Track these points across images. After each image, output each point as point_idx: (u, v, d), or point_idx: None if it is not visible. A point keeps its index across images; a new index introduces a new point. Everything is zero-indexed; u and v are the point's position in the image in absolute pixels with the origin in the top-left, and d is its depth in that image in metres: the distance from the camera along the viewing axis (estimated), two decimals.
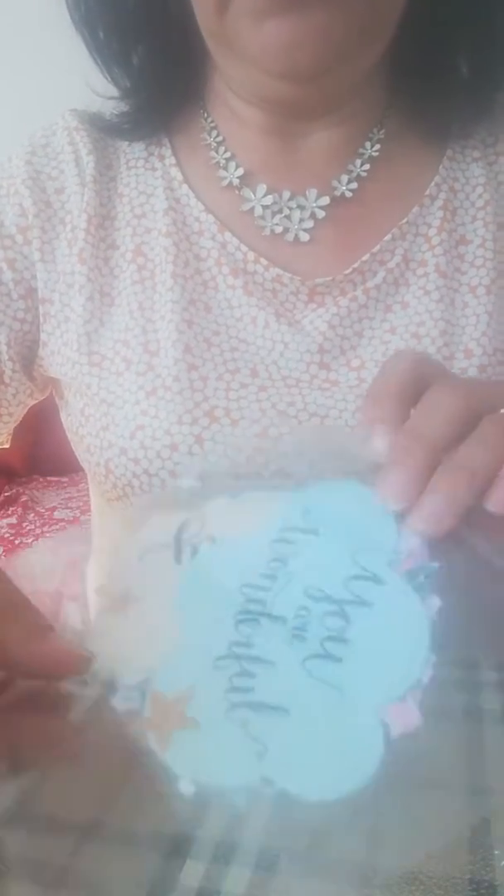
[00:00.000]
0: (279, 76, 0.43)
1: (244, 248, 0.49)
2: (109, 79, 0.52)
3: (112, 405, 0.48)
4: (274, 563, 0.31)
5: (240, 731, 0.27)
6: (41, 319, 0.51)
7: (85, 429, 0.50)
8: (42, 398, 0.56)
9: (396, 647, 0.29)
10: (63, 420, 0.55)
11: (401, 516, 0.31)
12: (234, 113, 0.50)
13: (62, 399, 0.54)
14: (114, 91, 0.52)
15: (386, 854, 0.26)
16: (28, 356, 0.52)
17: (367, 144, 0.50)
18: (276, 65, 0.41)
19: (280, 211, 0.50)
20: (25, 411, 0.56)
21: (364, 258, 0.49)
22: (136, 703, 0.28)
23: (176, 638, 0.30)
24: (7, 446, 0.59)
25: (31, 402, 0.56)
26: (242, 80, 0.47)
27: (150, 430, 0.46)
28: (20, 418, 0.56)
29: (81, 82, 0.52)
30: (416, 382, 0.32)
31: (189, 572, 0.31)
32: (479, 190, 0.51)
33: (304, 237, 0.50)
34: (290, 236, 0.50)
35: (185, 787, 0.25)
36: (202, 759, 0.26)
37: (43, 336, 0.51)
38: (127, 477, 0.47)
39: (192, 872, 0.25)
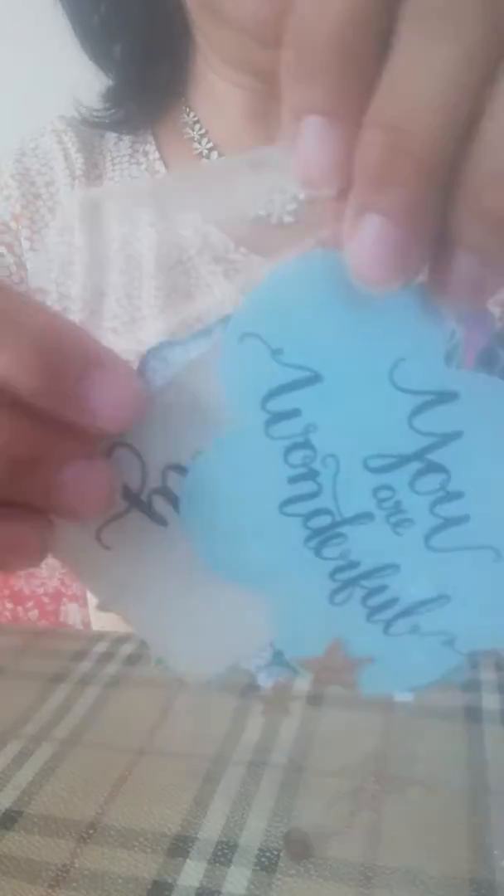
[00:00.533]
0: (270, 43, 0.42)
1: (225, 237, 0.51)
2: (96, 65, 0.54)
3: None
4: (296, 455, 0.22)
5: (417, 639, 0.24)
6: None
7: None
8: None
9: None
10: None
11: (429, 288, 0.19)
12: (216, 100, 0.52)
13: None
14: (100, 86, 0.55)
15: (386, 854, 0.26)
16: None
17: None
18: (267, 30, 0.41)
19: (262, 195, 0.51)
20: None
21: None
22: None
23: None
24: None
25: None
26: (231, 52, 0.47)
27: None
28: None
29: (70, 83, 0.54)
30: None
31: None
32: None
33: (288, 219, 0.51)
34: (273, 219, 0.51)
35: (402, 696, 0.26)
36: (398, 676, 0.25)
37: None
38: None
39: (192, 872, 0.25)
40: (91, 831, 0.27)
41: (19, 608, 1.44)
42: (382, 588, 0.24)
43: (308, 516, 0.23)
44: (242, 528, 0.23)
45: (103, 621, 0.56)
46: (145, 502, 0.23)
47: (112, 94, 0.55)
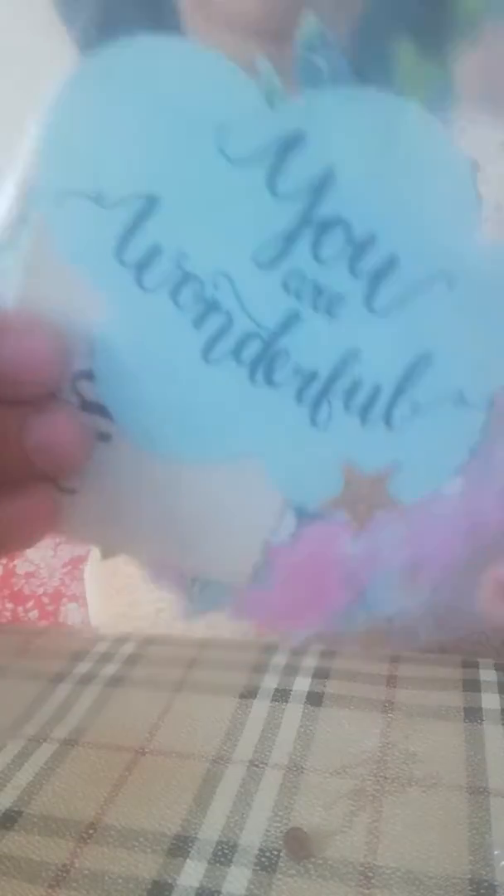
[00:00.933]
0: (273, 35, 0.42)
1: None
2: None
3: None
4: (184, 294, 0.20)
5: (427, 417, 0.22)
6: None
7: None
8: None
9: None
10: None
11: None
12: None
13: None
14: None
15: (386, 854, 0.26)
16: None
17: None
18: (271, 22, 0.39)
19: None
20: None
21: None
22: None
23: None
24: None
25: None
26: (219, 45, 0.47)
27: None
28: None
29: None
30: None
31: None
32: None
33: None
34: None
35: (450, 487, 0.22)
36: (433, 466, 0.23)
37: None
38: None
39: (192, 872, 0.25)
40: (91, 831, 0.27)
41: (19, 608, 1.44)
42: (357, 384, 0.21)
43: (237, 351, 0.21)
44: (178, 403, 0.21)
45: (103, 621, 0.56)
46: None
47: None
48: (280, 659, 0.37)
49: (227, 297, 0.20)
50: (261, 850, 0.26)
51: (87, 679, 0.37)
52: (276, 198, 0.20)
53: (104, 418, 0.21)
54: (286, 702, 0.34)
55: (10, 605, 1.40)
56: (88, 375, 0.21)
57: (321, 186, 0.20)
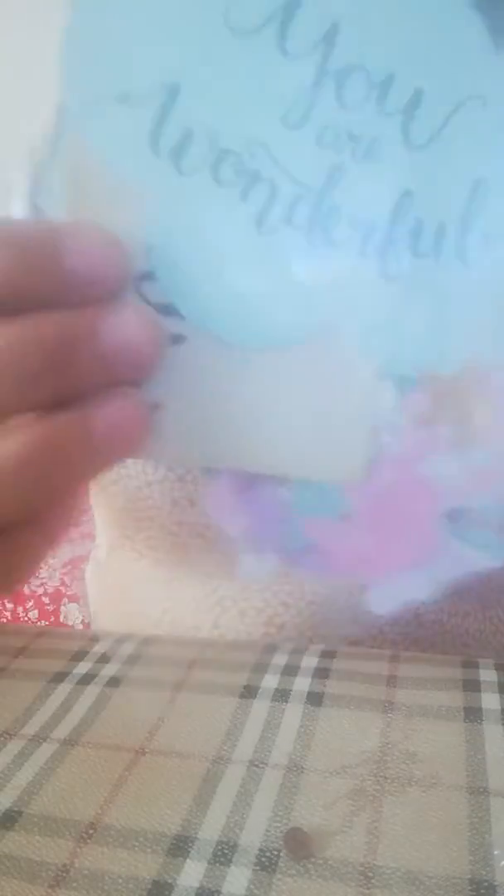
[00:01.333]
0: None
1: None
2: None
3: None
4: (224, 170, 0.20)
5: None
6: None
7: None
8: None
9: None
10: None
11: None
12: None
13: None
14: None
15: (386, 854, 0.26)
16: None
17: None
18: None
19: None
20: None
21: None
22: None
23: None
24: None
25: None
26: None
27: None
28: None
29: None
30: None
31: None
32: None
33: None
34: None
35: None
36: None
37: None
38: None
39: (192, 872, 0.25)
40: (91, 831, 0.27)
41: (19, 608, 1.43)
42: (420, 225, 0.20)
43: (288, 217, 0.20)
44: (244, 285, 0.20)
45: (103, 621, 0.56)
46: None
47: None
48: (280, 659, 0.37)
49: (267, 165, 0.20)
50: (261, 850, 0.26)
51: (87, 679, 0.37)
52: (289, 57, 0.20)
53: (175, 317, 0.21)
54: (286, 702, 0.34)
55: (10, 605, 1.40)
56: (150, 276, 0.21)
57: (330, 38, 0.20)
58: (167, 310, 0.21)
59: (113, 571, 0.54)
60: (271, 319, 0.21)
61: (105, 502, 0.59)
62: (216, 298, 0.20)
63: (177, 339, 0.21)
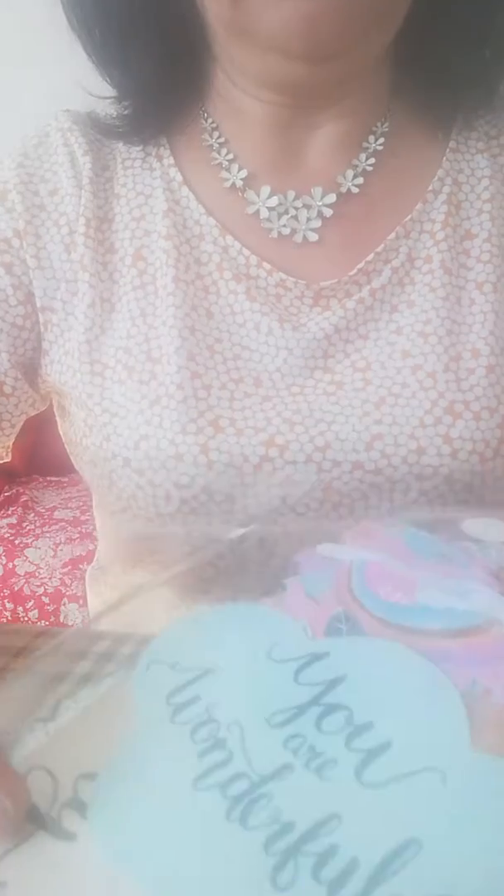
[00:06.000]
0: (297, 56, 0.42)
1: (246, 252, 0.48)
2: (108, 80, 0.51)
3: (115, 415, 0.47)
4: (202, 731, 0.24)
5: None
6: (42, 328, 0.50)
7: (88, 439, 0.49)
8: (43, 408, 0.55)
9: (409, 682, 0.25)
10: (62, 432, 0.54)
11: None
12: (237, 111, 0.50)
13: (63, 410, 0.53)
14: (109, 90, 0.51)
15: None
16: (30, 365, 0.51)
17: (371, 139, 0.50)
18: (296, 43, 0.41)
19: (286, 212, 0.49)
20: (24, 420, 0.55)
21: (369, 258, 0.48)
22: None
23: None
24: (8, 459, 0.58)
25: (33, 413, 0.55)
26: (254, 69, 0.46)
27: (155, 441, 0.45)
28: (17, 431, 0.55)
29: (77, 82, 0.51)
30: None
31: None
32: (485, 182, 0.50)
33: (313, 237, 0.49)
34: (298, 237, 0.49)
35: None
36: None
37: (45, 345, 0.50)
38: (131, 489, 0.46)
39: None
40: None
41: (19, 608, 1.44)
42: (333, 850, 0.20)
43: (224, 785, 0.22)
44: (158, 819, 0.22)
45: (103, 622, 0.56)
46: (55, 818, 0.23)
47: (125, 97, 0.51)
48: None
49: (234, 741, 0.23)
50: None
51: (87, 679, 0.37)
52: (296, 680, 0.25)
53: (78, 816, 0.23)
54: None
55: (10, 605, 1.40)
56: (91, 776, 0.24)
57: (335, 684, 0.24)
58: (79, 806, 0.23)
59: (114, 581, 0.54)
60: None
61: (104, 525, 0.58)
62: (125, 816, 0.23)
63: (69, 836, 0.22)
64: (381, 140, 0.50)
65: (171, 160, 0.51)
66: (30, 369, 0.51)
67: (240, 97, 0.49)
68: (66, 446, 0.54)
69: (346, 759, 0.22)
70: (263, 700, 0.25)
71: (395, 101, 0.51)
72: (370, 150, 0.50)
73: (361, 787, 0.21)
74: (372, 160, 0.50)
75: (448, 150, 0.51)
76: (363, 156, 0.50)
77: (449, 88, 0.50)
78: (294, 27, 0.40)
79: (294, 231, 0.49)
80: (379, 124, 0.50)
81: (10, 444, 0.56)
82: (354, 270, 0.48)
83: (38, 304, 0.50)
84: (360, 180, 0.50)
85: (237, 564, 0.40)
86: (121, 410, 0.47)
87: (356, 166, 0.50)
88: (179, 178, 0.50)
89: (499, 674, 0.24)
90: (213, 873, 0.21)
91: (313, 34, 0.40)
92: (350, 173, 0.50)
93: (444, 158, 0.51)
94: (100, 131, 0.52)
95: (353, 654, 0.26)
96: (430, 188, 0.50)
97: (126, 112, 0.51)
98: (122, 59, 0.50)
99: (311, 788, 0.22)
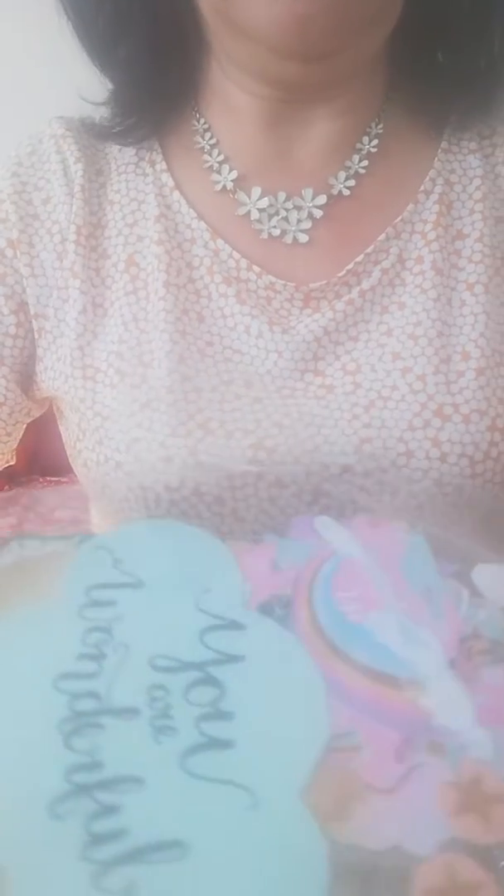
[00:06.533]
0: (288, 54, 0.42)
1: (237, 255, 0.48)
2: (97, 66, 0.50)
3: (107, 419, 0.47)
4: (94, 636, 0.24)
5: None
6: (36, 335, 0.50)
7: (81, 443, 0.49)
8: (39, 415, 0.55)
9: (291, 700, 0.23)
10: (62, 435, 0.54)
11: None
12: (229, 107, 0.50)
13: (60, 413, 0.53)
14: (104, 96, 0.52)
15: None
16: (25, 373, 0.51)
17: (365, 139, 0.50)
18: (287, 42, 0.41)
19: (277, 213, 0.49)
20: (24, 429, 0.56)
21: (358, 259, 0.48)
22: None
23: None
24: (13, 463, 0.58)
25: (28, 420, 0.55)
26: (247, 63, 0.46)
27: (145, 444, 0.45)
28: (19, 437, 0.56)
29: (73, 88, 0.51)
30: None
31: None
32: (477, 182, 0.50)
33: (303, 238, 0.49)
34: (288, 238, 0.49)
35: None
36: None
37: (39, 352, 0.51)
38: (122, 491, 0.46)
39: None
40: None
41: None
42: (115, 809, 0.20)
43: (76, 696, 0.22)
44: (6, 698, 0.22)
45: None
46: None
47: (116, 97, 0.51)
48: None
49: (112, 661, 0.24)
50: None
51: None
52: (201, 638, 0.25)
53: None
54: None
55: None
56: None
57: (230, 660, 0.24)
58: None
59: None
60: None
61: (100, 530, 0.58)
62: None
63: None
64: (375, 142, 0.50)
65: (164, 165, 0.51)
66: (24, 377, 0.51)
67: (233, 91, 0.49)
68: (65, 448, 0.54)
69: (186, 736, 0.22)
70: (161, 640, 0.24)
71: (390, 101, 0.51)
72: (363, 152, 0.50)
73: (179, 768, 0.21)
74: (365, 162, 0.49)
75: (440, 150, 0.51)
76: (356, 157, 0.50)
77: (444, 90, 0.49)
78: (286, 26, 0.40)
79: (284, 232, 0.49)
80: (373, 125, 0.50)
81: (13, 448, 0.56)
82: (343, 272, 0.48)
83: (32, 312, 0.50)
84: (352, 182, 0.49)
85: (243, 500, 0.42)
86: (112, 414, 0.47)
87: (349, 168, 0.49)
88: (171, 182, 0.50)
89: (377, 737, 0.22)
90: (17, 765, 0.21)
91: (305, 34, 0.40)
92: (342, 175, 0.49)
93: (436, 159, 0.50)
94: (94, 134, 0.52)
95: (263, 641, 0.25)
96: (422, 188, 0.49)
97: (119, 111, 0.51)
98: (115, 45, 0.49)
99: (139, 743, 0.21)
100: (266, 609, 0.26)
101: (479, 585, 0.27)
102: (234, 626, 0.25)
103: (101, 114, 0.52)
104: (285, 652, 0.25)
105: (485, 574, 0.27)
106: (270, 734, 0.22)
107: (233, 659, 0.24)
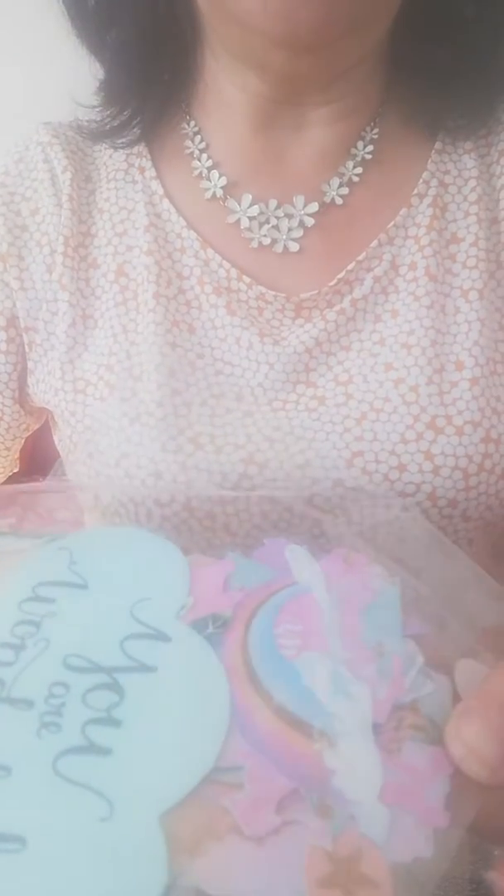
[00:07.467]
0: (279, 41, 0.41)
1: (227, 264, 0.47)
2: (87, 49, 0.49)
3: (97, 432, 0.46)
4: (21, 628, 0.25)
5: None
6: (27, 348, 0.50)
7: (73, 455, 0.48)
8: (36, 428, 0.55)
9: (188, 721, 0.22)
10: (56, 445, 0.54)
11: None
12: (221, 106, 0.48)
13: (54, 424, 0.53)
14: (95, 99, 0.50)
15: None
16: (17, 388, 0.51)
17: (360, 144, 0.48)
18: (274, 27, 0.39)
19: (267, 221, 0.48)
20: (23, 443, 0.55)
21: (349, 267, 0.47)
22: None
23: None
24: (16, 470, 0.58)
25: (26, 435, 0.55)
26: (239, 50, 0.44)
27: (135, 458, 0.44)
28: (18, 451, 0.55)
29: (66, 90, 0.50)
30: None
31: None
32: (472, 183, 0.48)
33: (294, 247, 0.48)
34: (278, 247, 0.48)
35: None
36: None
37: (30, 365, 0.50)
38: (114, 506, 0.46)
39: None
40: None
41: None
42: None
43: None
44: None
45: None
46: None
47: (107, 86, 0.49)
48: None
49: (29, 654, 0.24)
50: None
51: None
52: (121, 644, 0.24)
53: None
54: None
55: None
56: None
57: (141, 670, 0.24)
58: None
59: None
60: None
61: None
62: None
63: None
64: (370, 147, 0.48)
65: (153, 172, 0.50)
66: (17, 391, 0.51)
67: (226, 87, 0.47)
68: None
69: (68, 736, 0.21)
70: (83, 640, 0.24)
71: (387, 104, 0.49)
72: (358, 159, 0.48)
73: (48, 765, 0.21)
74: (359, 170, 0.48)
75: (434, 150, 0.49)
76: (350, 164, 0.48)
77: (443, 89, 0.48)
78: (272, 11, 0.39)
79: (274, 241, 0.48)
80: (368, 129, 0.49)
81: (14, 460, 0.56)
82: (335, 280, 0.47)
83: (22, 325, 0.49)
84: (346, 190, 0.48)
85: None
86: (102, 428, 0.46)
87: (342, 174, 0.48)
88: (160, 190, 0.49)
89: (264, 780, 0.21)
90: None
91: (291, 19, 0.39)
92: (336, 182, 0.48)
93: (430, 160, 0.49)
94: (83, 136, 0.51)
95: (183, 656, 0.24)
96: (416, 192, 0.48)
97: (109, 100, 0.50)
98: (107, 28, 0.48)
99: (21, 734, 0.21)
100: (199, 625, 0.25)
101: (457, 680, 0.24)
102: (159, 636, 0.24)
103: (91, 116, 0.51)
104: (200, 671, 0.23)
105: (462, 670, 0.25)
106: (152, 750, 0.21)
107: (144, 668, 0.23)
